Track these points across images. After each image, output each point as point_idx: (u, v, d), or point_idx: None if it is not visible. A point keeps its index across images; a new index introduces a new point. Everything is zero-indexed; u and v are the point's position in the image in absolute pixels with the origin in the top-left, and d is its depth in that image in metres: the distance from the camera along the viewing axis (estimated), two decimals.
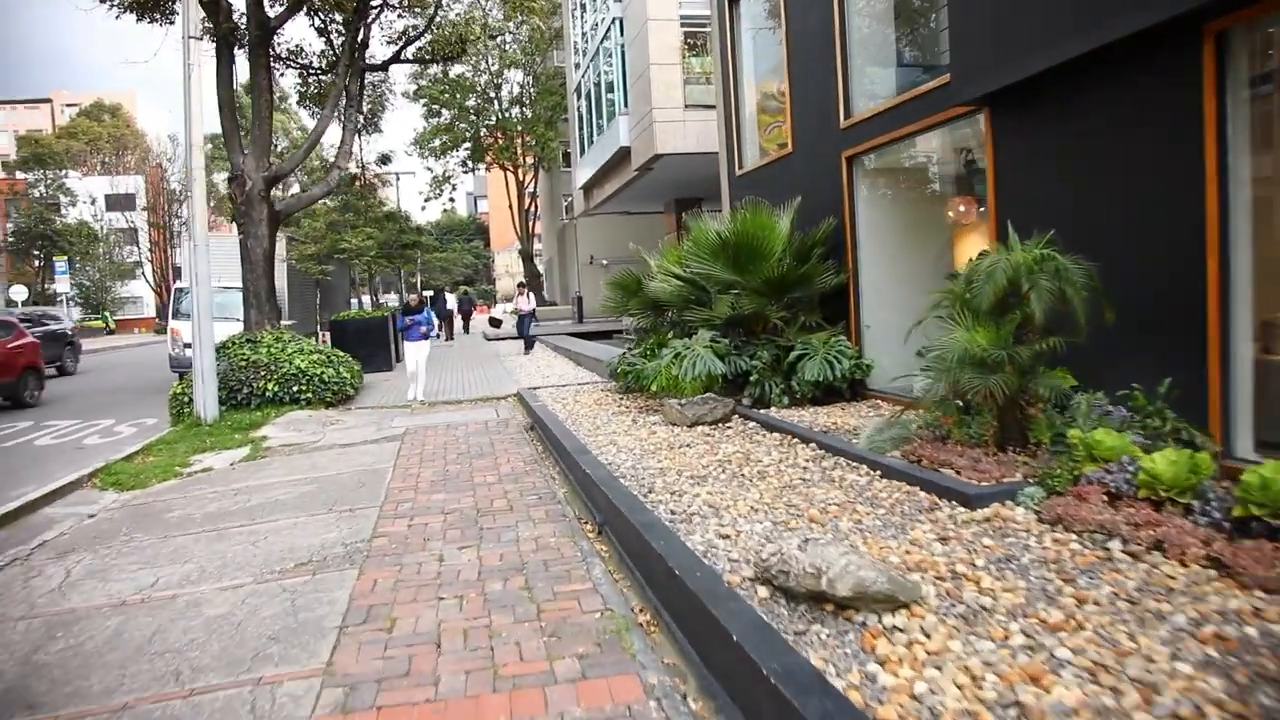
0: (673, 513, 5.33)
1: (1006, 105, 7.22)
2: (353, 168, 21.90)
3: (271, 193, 14.12)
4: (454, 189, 47.64)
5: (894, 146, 9.55)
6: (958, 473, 5.47)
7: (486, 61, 42.30)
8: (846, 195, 10.09)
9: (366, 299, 26.99)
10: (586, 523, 6.12)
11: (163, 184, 57.94)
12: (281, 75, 16.42)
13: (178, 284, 19.34)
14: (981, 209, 9.84)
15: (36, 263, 51.04)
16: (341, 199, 21.90)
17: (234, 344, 13.28)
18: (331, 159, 22.28)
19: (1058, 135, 6.70)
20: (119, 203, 58.79)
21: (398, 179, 55.18)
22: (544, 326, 32.76)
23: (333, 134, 17.00)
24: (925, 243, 10.39)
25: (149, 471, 9.46)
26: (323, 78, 16.68)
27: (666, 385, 9.36)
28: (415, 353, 13.42)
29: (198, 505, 7.64)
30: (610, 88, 27.73)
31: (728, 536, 4.76)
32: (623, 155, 26.46)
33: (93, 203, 51.51)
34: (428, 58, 16.43)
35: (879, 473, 5.98)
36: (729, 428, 8.36)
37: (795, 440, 7.38)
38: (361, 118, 20.91)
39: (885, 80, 9.88)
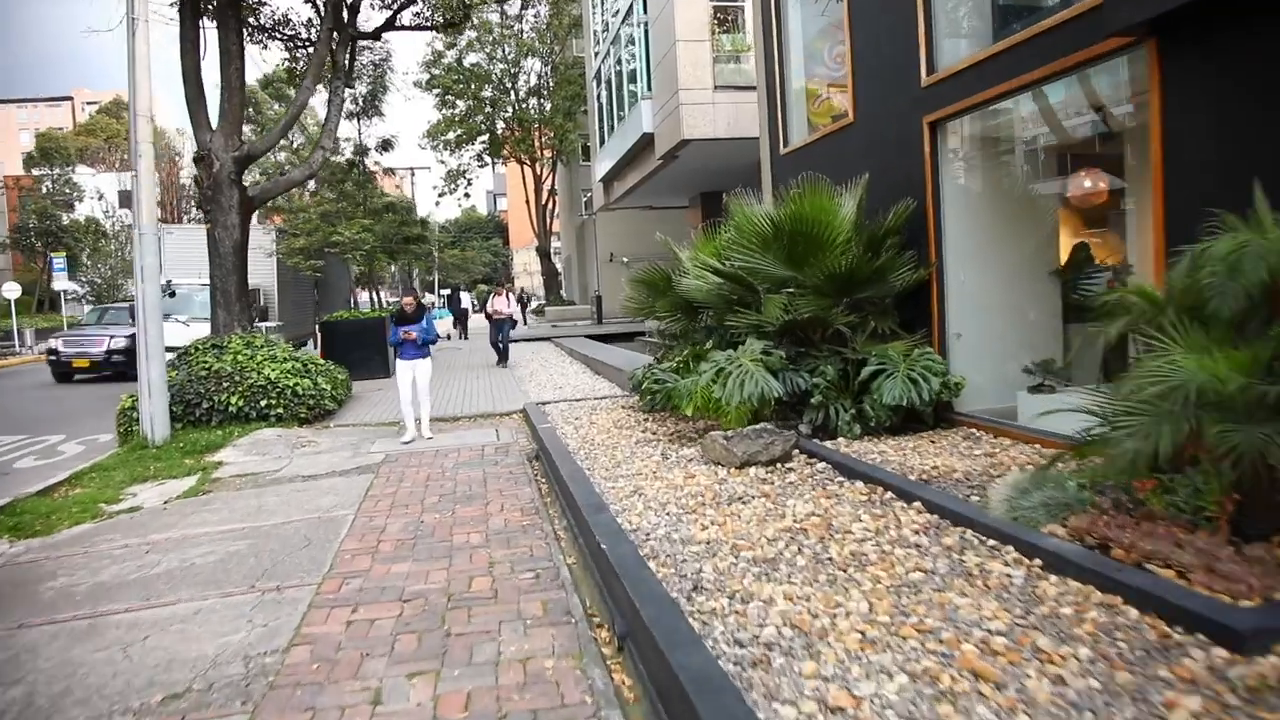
0: (737, 642, 3.36)
1: (1186, 33, 5.20)
2: (349, 153, 20.08)
3: (244, 176, 12.26)
4: (469, 184, 45.77)
5: (997, 105, 7.55)
6: (1184, 576, 3.47)
7: (503, 50, 40.44)
8: (928, 171, 8.08)
9: (366, 296, 25.09)
10: (601, 625, 4.18)
11: (174, 181, 56.53)
12: (264, 48, 14.63)
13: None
14: (1118, 182, 7.84)
15: (42, 260, 49.68)
16: (337, 188, 20.08)
17: (197, 350, 11.43)
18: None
19: (1267, 73, 4.69)
20: (131, 199, 57.39)
21: (412, 174, 53.55)
22: (561, 328, 30.86)
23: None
24: (1032, 230, 8.39)
25: (64, 510, 7.66)
26: (313, 52, 14.82)
27: (703, 407, 7.42)
28: (410, 373, 9.77)
29: (92, 569, 5.78)
30: (633, 76, 25.82)
31: (840, 711, 2.78)
32: (645, 143, 24.54)
33: (100, 198, 50.03)
34: (427, 24, 14.56)
35: (1038, 562, 3.99)
36: (790, 469, 6.37)
37: (888, 494, 5.39)
38: (352, 93, 19.12)
39: (983, 22, 7.86)
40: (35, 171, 52.42)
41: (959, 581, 3.87)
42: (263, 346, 11.66)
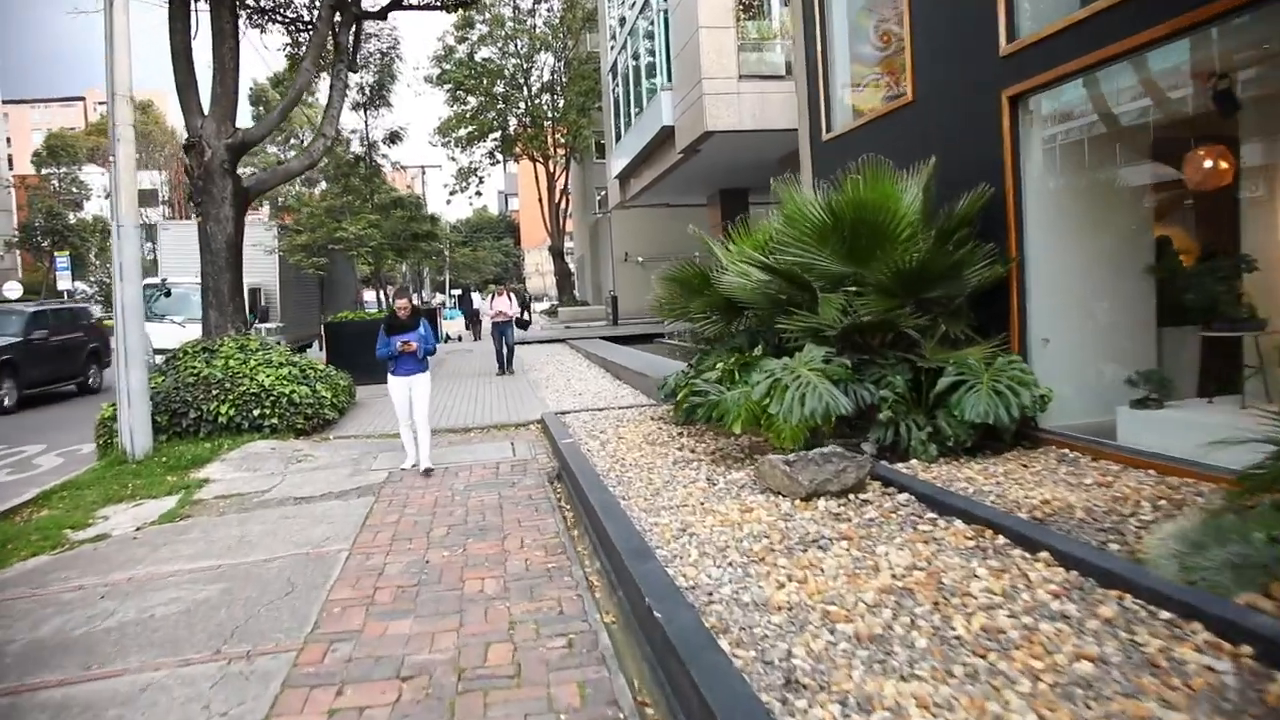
0: None
1: None
2: (357, 146, 19.16)
3: (238, 165, 11.31)
4: (481, 182, 44.86)
5: (1094, 74, 6.52)
6: None
7: (515, 44, 39.51)
8: (1008, 153, 7.05)
9: (372, 296, 24.07)
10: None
11: (183, 179, 55.89)
12: (262, 32, 13.70)
13: (146, 280, 16.66)
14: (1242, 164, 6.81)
15: (49, 259, 49.08)
16: (342, 182, 19.13)
17: (186, 354, 10.49)
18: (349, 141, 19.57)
19: None
20: (145, 198, 56.92)
21: (423, 172, 52.73)
22: (575, 329, 29.90)
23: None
24: (1127, 219, 7.36)
25: (23, 538, 6.78)
26: (313, 33, 13.86)
27: (750, 422, 6.42)
28: (406, 391, 8.12)
29: (34, 620, 4.84)
30: (651, 69, 24.84)
31: None
32: (665, 137, 23.55)
33: (107, 197, 49.30)
34: (435, 3, 13.59)
35: (1247, 650, 2.96)
36: (865, 500, 5.35)
37: (1000, 538, 4.36)
38: (359, 82, 18.18)
39: None
40: (43, 170, 51.73)
41: (1147, 679, 2.85)
42: (258, 350, 10.72)
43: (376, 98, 18.29)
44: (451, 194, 44.79)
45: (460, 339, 30.48)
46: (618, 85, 29.85)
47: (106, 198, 51.06)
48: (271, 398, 9.91)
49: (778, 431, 6.22)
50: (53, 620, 4.83)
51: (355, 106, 18.40)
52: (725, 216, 30.78)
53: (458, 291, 46.62)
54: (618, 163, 30.41)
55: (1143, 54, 6.03)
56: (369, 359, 15.52)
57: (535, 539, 5.66)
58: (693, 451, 7.38)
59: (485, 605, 4.53)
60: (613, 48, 30.02)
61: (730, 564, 4.30)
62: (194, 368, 10.11)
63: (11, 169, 64.44)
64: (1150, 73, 6.54)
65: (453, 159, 42.72)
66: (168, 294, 15.92)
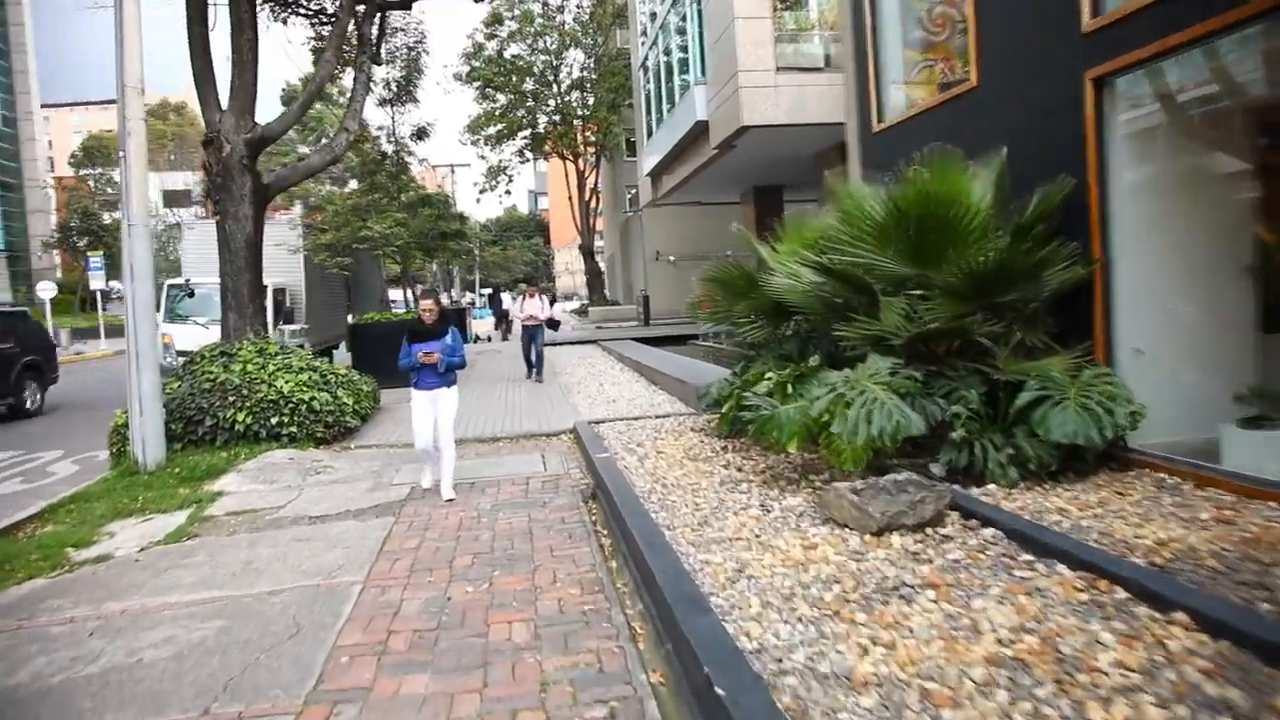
0: None
1: None
2: (384, 143, 18.67)
3: (258, 161, 10.84)
4: (510, 181, 44.49)
5: (1199, 49, 5.81)
6: None
7: (545, 41, 39.02)
8: (1091, 141, 6.36)
9: (399, 295, 23.56)
10: None
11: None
12: (284, 24, 13.20)
13: (169, 280, 16.32)
14: None
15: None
16: (368, 179, 18.64)
17: (202, 358, 10.03)
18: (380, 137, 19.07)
19: None
20: (176, 198, 57.32)
21: (452, 170, 52.39)
22: (606, 329, 29.35)
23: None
24: (1229, 215, 6.63)
25: (24, 557, 6.38)
26: (335, 23, 13.36)
27: (806, 439, 5.79)
28: (429, 410, 7.16)
29: (12, 661, 4.39)
30: (684, 63, 24.22)
31: None
32: (698, 132, 22.91)
33: None
34: None
35: None
36: (947, 537, 4.69)
37: (1117, 589, 3.69)
38: (384, 78, 17.71)
39: None
40: (80, 172, 52.14)
41: None
42: (277, 354, 10.23)
43: (403, 93, 17.78)
44: (481, 193, 44.36)
45: (489, 339, 30.03)
46: (649, 81, 29.25)
47: None
48: (290, 405, 9.40)
49: (837, 451, 5.58)
50: (34, 660, 4.32)
51: (382, 102, 17.94)
52: (760, 214, 30.08)
53: (488, 291, 46.29)
54: (649, 160, 29.82)
55: (1251, 27, 5.33)
56: (394, 362, 15.10)
57: (569, 572, 5.07)
58: (740, 470, 6.75)
59: (513, 658, 3.93)
60: (644, 43, 29.42)
61: (800, 619, 3.67)
62: (211, 373, 9.64)
63: (53, 170, 65.18)
64: (1256, 48, 5.82)
65: (482, 157, 42.40)
66: (191, 294, 15.54)
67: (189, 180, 53.21)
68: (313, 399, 9.53)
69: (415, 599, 4.82)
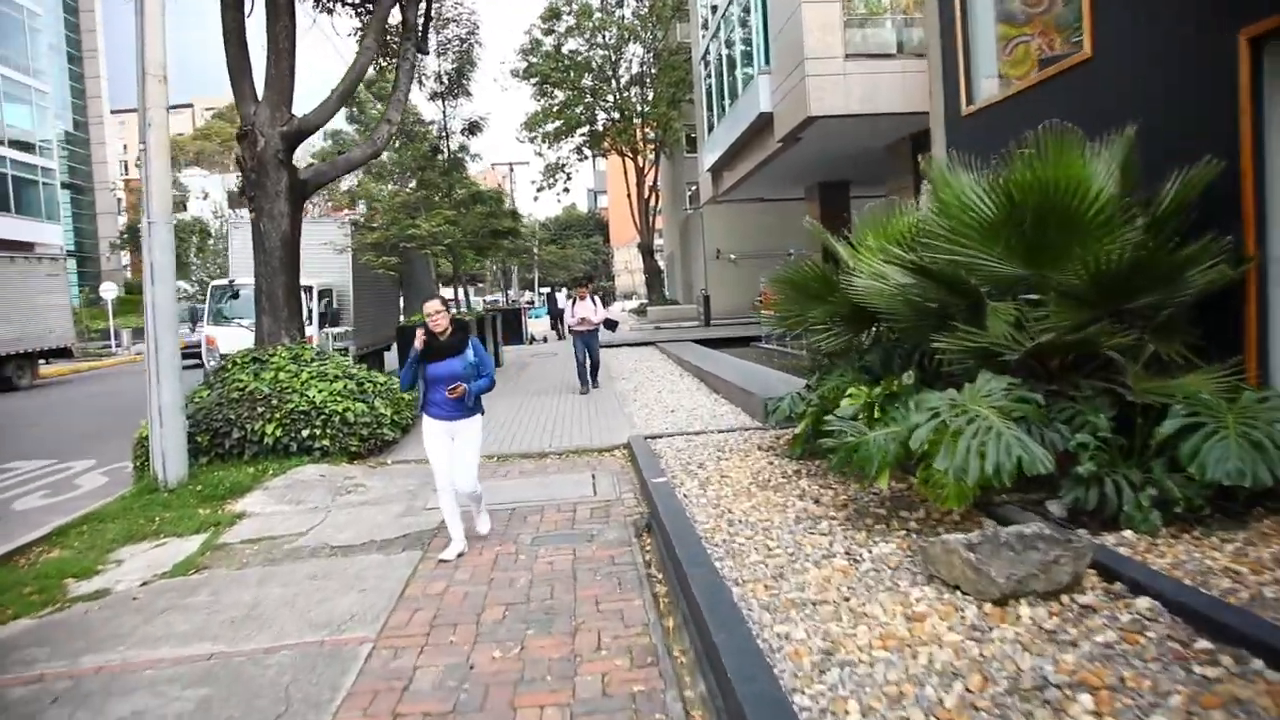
0: None
1: None
2: (435, 136, 18.06)
3: (294, 156, 10.22)
4: (569, 179, 43.87)
5: None
6: None
7: (603, 36, 38.26)
8: (1247, 115, 5.30)
9: (451, 294, 22.94)
10: None
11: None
12: (330, 14, 12.59)
13: (215, 281, 15.89)
14: None
15: None
16: (418, 175, 17.99)
17: (234, 365, 9.43)
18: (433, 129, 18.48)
19: None
20: (239, 200, 57.91)
21: (511, 170, 52.04)
22: (665, 330, 28.50)
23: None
24: None
25: (18, 589, 5.87)
26: (375, 7, 12.68)
27: (897, 467, 4.85)
28: (447, 440, 5.70)
29: None
30: (748, 55, 23.24)
31: None
32: (762, 125, 21.90)
33: (205, 198, 50.18)
34: None
35: None
36: (1088, 608, 3.70)
37: None
38: (432, 65, 17.06)
39: None
40: (139, 172, 52.98)
41: None
42: (312, 361, 9.59)
43: (455, 86, 17.12)
44: (539, 191, 43.86)
45: (545, 340, 29.42)
46: (710, 74, 28.31)
47: (204, 198, 51.99)
48: (322, 417, 8.73)
49: (936, 487, 4.63)
50: None
51: (433, 96, 17.31)
52: (825, 211, 28.90)
53: (546, 290, 45.84)
54: (710, 156, 28.88)
55: None
56: None
57: (617, 635, 4.21)
58: (817, 502, 5.82)
59: None
60: (704, 34, 28.48)
61: None
62: (240, 381, 9.02)
63: (126, 174, 66.66)
64: None
65: (539, 154, 41.86)
66: (235, 295, 15.09)
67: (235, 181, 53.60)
68: (347, 410, 8.84)
69: (431, 667, 4.01)
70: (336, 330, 13.99)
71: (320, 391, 8.88)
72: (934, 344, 5.51)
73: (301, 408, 8.71)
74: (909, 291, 6.08)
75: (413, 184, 18.16)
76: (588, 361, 13.58)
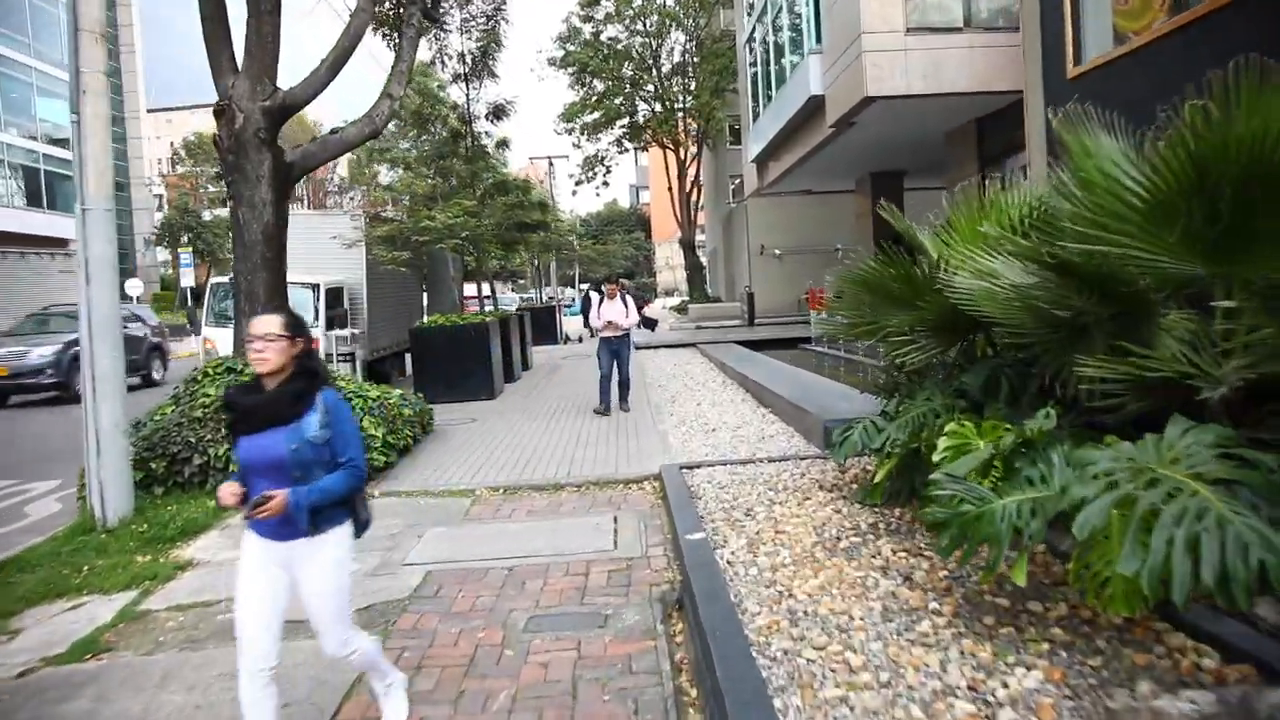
0: None
1: None
2: (453, 120, 16.69)
3: (279, 135, 8.90)
4: (609, 172, 42.50)
5: None
6: None
7: (643, 23, 36.79)
8: None
9: (474, 290, 21.50)
10: None
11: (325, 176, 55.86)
12: None
13: (214, 279, 14.70)
14: None
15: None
16: (435, 164, 16.60)
17: (204, 376, 8.14)
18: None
19: None
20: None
21: (550, 164, 50.77)
22: (706, 330, 26.99)
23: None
24: None
25: None
26: None
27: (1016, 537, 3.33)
28: (269, 578, 3.08)
29: None
30: (796, 38, 21.64)
31: None
32: (812, 110, 20.29)
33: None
34: None
35: None
36: None
37: None
38: (455, 44, 15.72)
39: None
40: (178, 169, 52.77)
41: None
42: None
43: (480, 67, 15.76)
44: (577, 184, 42.52)
45: (580, 340, 28.08)
46: (755, 58, 26.72)
47: None
48: None
49: (1095, 581, 3.11)
50: None
51: (456, 78, 15.94)
52: (876, 203, 27.12)
53: (585, 286, 44.52)
54: (754, 146, 27.29)
55: None
56: (462, 370, 13.09)
57: None
58: (908, 579, 4.29)
59: None
60: (749, 17, 26.86)
61: None
62: (207, 396, 7.72)
63: (169, 170, 66.58)
64: None
65: (577, 146, 40.52)
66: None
67: None
68: None
69: None
70: (340, 333, 12.71)
71: None
72: (1079, 368, 3.95)
73: None
74: (1032, 293, 4.52)
75: (432, 175, 16.79)
76: (615, 375, 11.36)
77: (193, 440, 7.33)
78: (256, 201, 8.62)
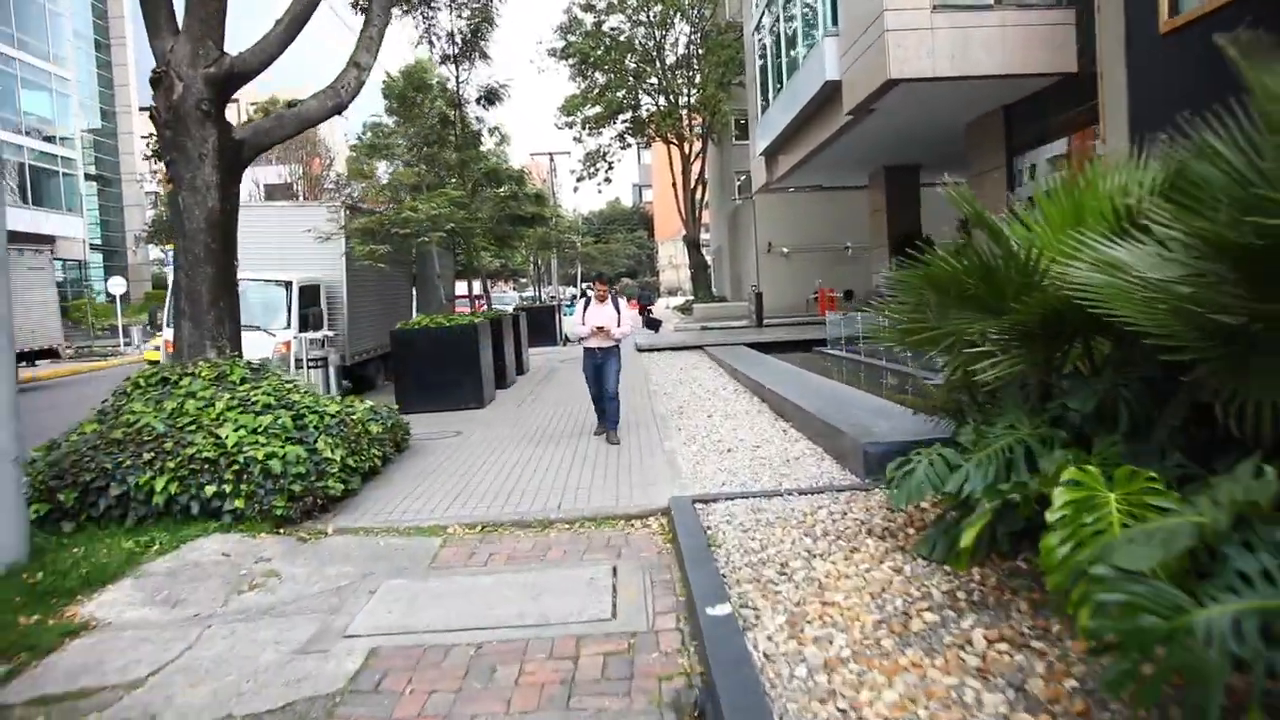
0: None
1: None
2: (440, 103, 15.42)
3: (226, 108, 7.71)
4: (610, 168, 41.19)
5: None
6: None
7: (647, 13, 35.52)
8: None
9: (464, 288, 20.09)
10: None
11: (318, 174, 54.43)
12: None
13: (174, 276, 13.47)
14: None
15: None
16: (421, 150, 15.30)
17: (135, 388, 6.96)
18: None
19: None
20: (276, 194, 56.33)
21: (551, 160, 49.54)
22: (713, 331, 25.76)
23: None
24: None
25: None
26: None
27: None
28: None
29: None
30: (809, 25, 20.44)
31: None
32: (826, 97, 19.11)
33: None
34: None
35: None
36: None
37: None
38: (445, 21, 14.46)
39: None
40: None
41: None
42: (243, 383, 7.08)
43: (470, 47, 14.52)
44: (579, 180, 41.25)
45: (580, 342, 26.85)
46: (764, 47, 25.51)
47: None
48: (235, 465, 6.17)
49: None
50: None
51: (444, 59, 14.71)
52: (891, 199, 25.90)
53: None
54: (763, 139, 26.10)
55: None
56: (451, 377, 11.84)
57: None
58: (1022, 694, 3.06)
59: None
60: (758, 3, 25.64)
61: None
62: (132, 413, 6.52)
63: (154, 168, 65.17)
64: None
65: (578, 140, 39.25)
66: None
67: (282, 174, 51.75)
68: (271, 456, 6.26)
69: None
70: (312, 335, 11.51)
71: (236, 430, 6.33)
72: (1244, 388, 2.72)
73: (206, 453, 6.17)
74: (1175, 290, 3.29)
75: (417, 162, 15.50)
76: (602, 393, 9.33)
77: (109, 466, 6.12)
78: (199, 184, 7.43)
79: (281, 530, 6.21)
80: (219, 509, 6.13)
